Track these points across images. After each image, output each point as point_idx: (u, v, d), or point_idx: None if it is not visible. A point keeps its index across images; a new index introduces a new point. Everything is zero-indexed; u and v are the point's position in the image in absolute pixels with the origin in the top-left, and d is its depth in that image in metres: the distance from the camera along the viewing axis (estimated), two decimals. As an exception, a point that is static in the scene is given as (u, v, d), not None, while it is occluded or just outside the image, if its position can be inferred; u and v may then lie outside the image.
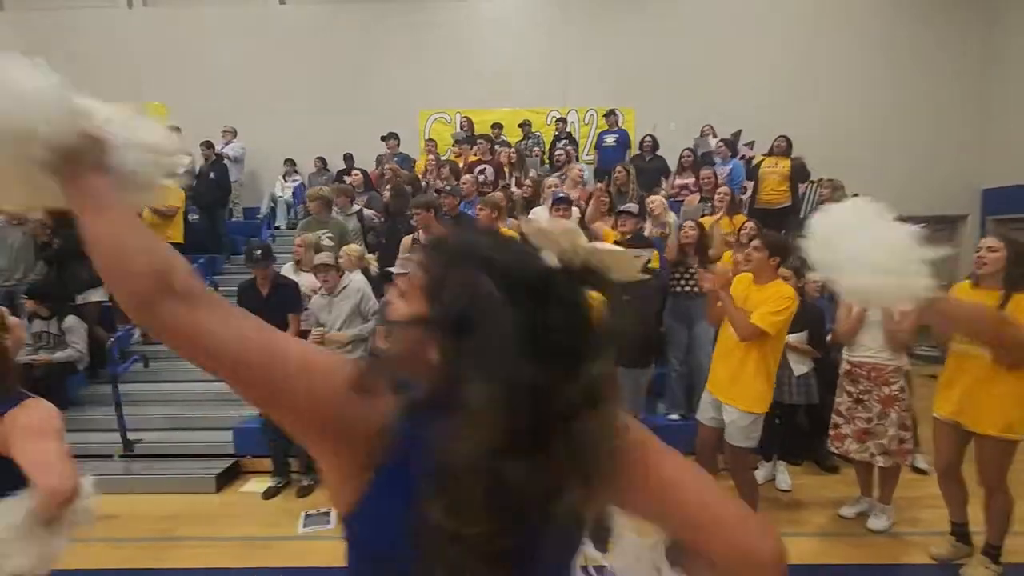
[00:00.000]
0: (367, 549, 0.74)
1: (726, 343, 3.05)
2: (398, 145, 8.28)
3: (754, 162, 6.88)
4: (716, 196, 5.30)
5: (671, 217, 5.13)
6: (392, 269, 3.85)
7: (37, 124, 0.75)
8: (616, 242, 4.35)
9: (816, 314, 4.05)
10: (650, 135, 7.49)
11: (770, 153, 6.58)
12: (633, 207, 4.72)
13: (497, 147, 7.38)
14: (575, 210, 5.10)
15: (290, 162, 8.85)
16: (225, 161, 7.72)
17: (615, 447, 0.67)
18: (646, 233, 4.90)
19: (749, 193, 6.59)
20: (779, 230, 5.42)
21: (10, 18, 9.23)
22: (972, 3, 8.86)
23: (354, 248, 4.53)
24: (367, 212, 6.01)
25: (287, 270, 4.65)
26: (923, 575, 3.06)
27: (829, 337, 3.98)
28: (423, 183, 6.92)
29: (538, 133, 8.60)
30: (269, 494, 4.14)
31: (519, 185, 6.34)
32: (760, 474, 4.02)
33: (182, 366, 5.69)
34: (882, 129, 8.89)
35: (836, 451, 3.54)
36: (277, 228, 8.28)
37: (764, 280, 3.11)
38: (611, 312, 0.69)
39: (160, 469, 4.39)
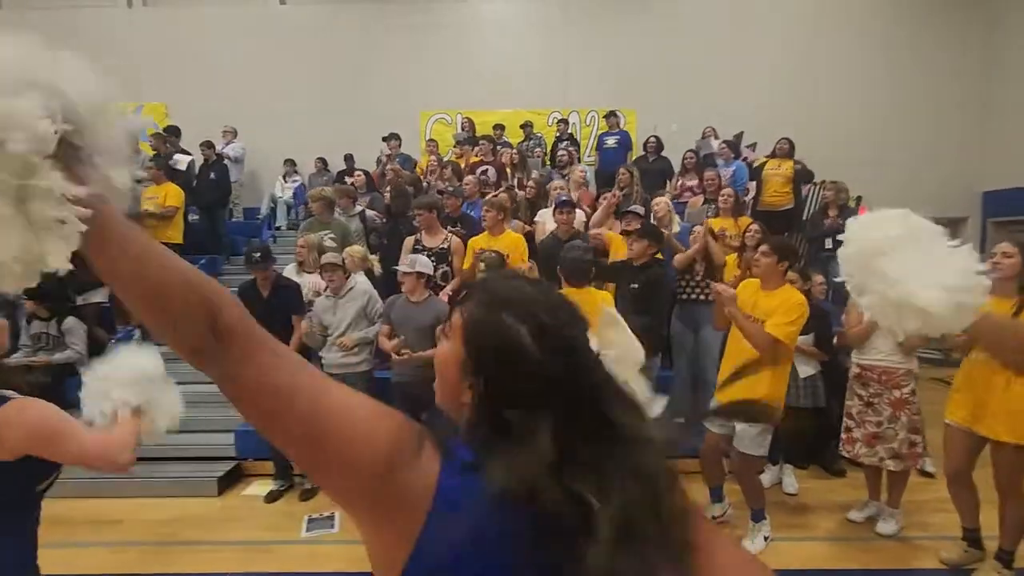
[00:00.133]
0: None
1: (736, 350, 3.03)
2: (399, 146, 8.25)
3: (756, 164, 6.88)
4: (720, 198, 5.28)
5: (675, 222, 5.10)
6: (402, 268, 3.82)
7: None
8: (623, 232, 4.33)
9: (822, 316, 4.03)
10: (654, 136, 7.48)
11: (772, 155, 6.57)
12: (639, 208, 4.70)
13: (499, 148, 7.36)
14: (579, 213, 5.07)
15: (290, 162, 8.81)
16: (225, 161, 7.68)
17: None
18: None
19: (751, 195, 6.58)
20: (782, 232, 5.43)
21: (9, 18, 9.19)
22: (972, 4, 8.88)
23: (357, 249, 4.50)
24: (369, 213, 5.97)
25: (289, 271, 4.61)
26: (933, 580, 3.04)
27: (835, 339, 3.96)
28: (424, 184, 6.89)
29: (539, 134, 8.58)
30: (271, 497, 4.09)
31: (521, 186, 6.31)
32: (766, 478, 4.00)
33: (182, 367, 5.53)
34: (882, 130, 8.90)
35: (847, 455, 3.51)
36: (278, 229, 8.25)
37: (772, 286, 3.08)
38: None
39: (161, 472, 4.33)
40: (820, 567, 3.11)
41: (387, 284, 4.53)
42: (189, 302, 0.60)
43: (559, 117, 9.01)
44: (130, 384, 1.55)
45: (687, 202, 6.10)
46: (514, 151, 7.17)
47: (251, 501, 4.14)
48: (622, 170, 6.00)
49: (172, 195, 6.25)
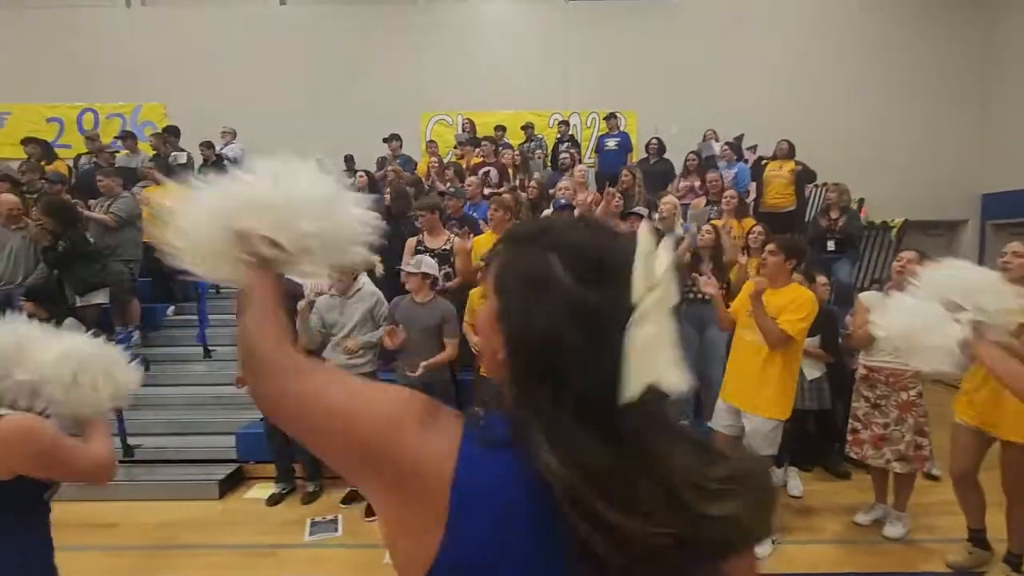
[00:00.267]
0: None
1: (744, 351, 3.02)
2: (400, 147, 8.23)
3: (758, 164, 6.89)
4: (723, 199, 5.28)
5: (679, 225, 5.09)
6: (408, 268, 3.79)
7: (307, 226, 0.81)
8: None
9: (828, 318, 4.02)
10: (656, 138, 7.48)
11: (773, 157, 6.58)
12: (642, 209, 4.69)
13: (500, 149, 7.34)
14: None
15: (290, 163, 8.76)
16: (225, 162, 7.64)
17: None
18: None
19: (753, 196, 6.58)
20: (785, 233, 5.42)
21: (7, 17, 9.11)
22: (972, 6, 8.90)
23: (360, 250, 4.46)
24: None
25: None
26: (941, 583, 3.03)
27: (842, 341, 3.95)
28: (426, 185, 6.87)
29: (540, 136, 8.57)
30: (273, 501, 4.06)
31: (523, 188, 6.29)
32: (771, 480, 3.97)
33: (183, 369, 5.62)
34: (881, 133, 8.92)
35: (855, 456, 3.49)
36: (276, 229, 8.20)
37: (780, 284, 3.09)
38: None
39: (161, 475, 4.30)
40: (827, 570, 3.09)
41: (389, 285, 4.50)
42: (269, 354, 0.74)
43: (560, 118, 9.00)
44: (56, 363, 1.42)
45: (689, 204, 6.09)
46: (516, 152, 7.16)
47: (252, 504, 4.10)
48: (625, 172, 5.99)
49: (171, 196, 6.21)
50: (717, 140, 7.76)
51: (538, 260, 0.62)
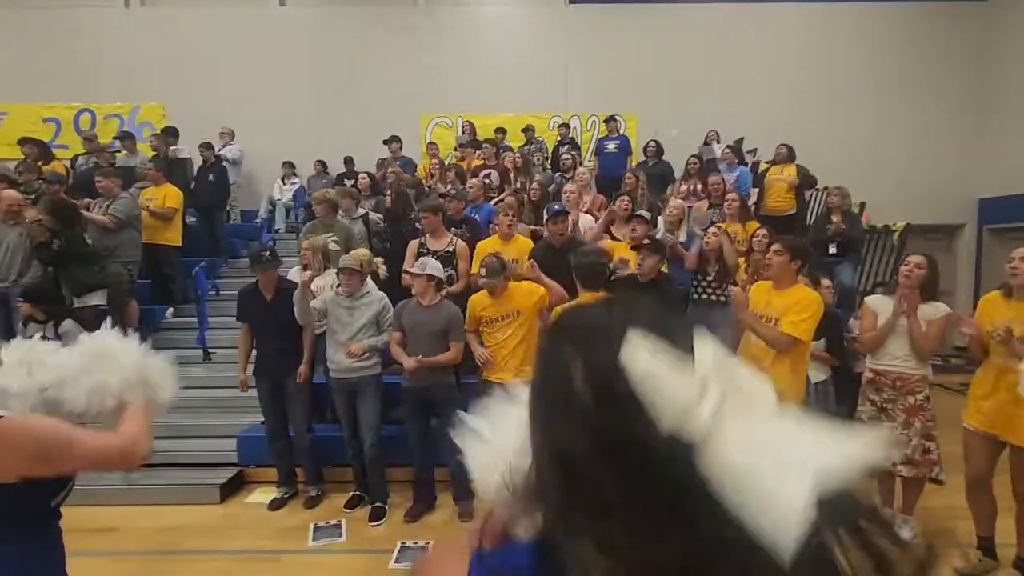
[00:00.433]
0: None
1: (751, 354, 3.00)
2: (400, 148, 8.21)
3: (759, 168, 6.89)
4: (726, 203, 5.28)
5: (682, 229, 5.09)
6: (413, 270, 3.77)
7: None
8: (633, 245, 4.30)
9: (833, 321, 4.01)
10: (654, 140, 7.48)
11: (773, 161, 6.59)
12: (646, 212, 4.68)
13: (501, 151, 7.33)
14: (585, 219, 5.05)
15: (289, 165, 8.74)
16: (224, 163, 7.60)
17: None
18: (658, 236, 4.86)
19: (754, 200, 6.58)
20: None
21: (6, 17, 9.04)
22: (971, 12, 8.96)
23: (363, 252, 4.43)
24: (372, 216, 5.91)
25: (294, 274, 4.55)
26: (949, 588, 3.01)
27: (848, 345, 3.94)
28: (426, 187, 6.84)
29: (540, 138, 8.57)
30: (275, 505, 4.02)
31: (524, 190, 6.28)
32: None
33: (182, 372, 5.49)
34: (879, 137, 8.96)
35: (861, 460, 3.47)
36: (276, 231, 8.17)
37: (785, 284, 3.09)
38: None
39: (161, 479, 4.24)
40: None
41: (392, 287, 4.47)
42: None
43: (560, 121, 9.00)
44: (112, 369, 1.45)
45: (691, 206, 6.09)
46: (517, 155, 7.15)
47: (254, 509, 4.06)
48: (628, 174, 5.98)
49: (171, 196, 6.17)
50: (719, 142, 7.77)
51: (559, 357, 0.53)
